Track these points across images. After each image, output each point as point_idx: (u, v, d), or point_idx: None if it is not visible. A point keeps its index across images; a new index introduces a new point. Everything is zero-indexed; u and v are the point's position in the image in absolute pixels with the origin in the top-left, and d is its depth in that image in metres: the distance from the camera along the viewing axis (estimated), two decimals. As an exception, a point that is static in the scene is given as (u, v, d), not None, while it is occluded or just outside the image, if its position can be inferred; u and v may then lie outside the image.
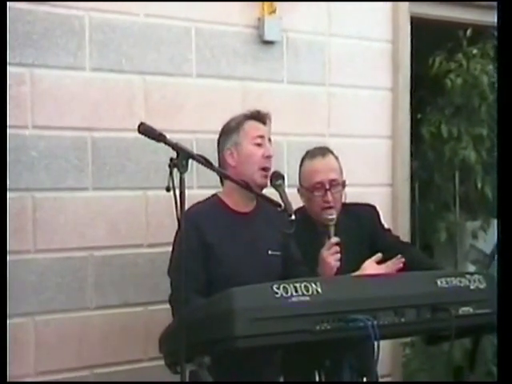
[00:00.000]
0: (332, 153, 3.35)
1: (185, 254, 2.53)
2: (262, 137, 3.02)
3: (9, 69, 3.11)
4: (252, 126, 3.04)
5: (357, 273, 3.01)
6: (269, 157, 3.02)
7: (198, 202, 3.01)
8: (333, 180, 3.25)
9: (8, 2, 2.99)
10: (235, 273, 2.81)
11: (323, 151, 3.33)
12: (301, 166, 3.35)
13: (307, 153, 3.35)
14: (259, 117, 3.07)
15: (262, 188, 3.01)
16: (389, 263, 3.01)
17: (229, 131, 3.05)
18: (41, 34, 3.32)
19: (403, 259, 2.99)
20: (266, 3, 3.86)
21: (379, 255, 3.06)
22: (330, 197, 3.22)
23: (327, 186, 3.23)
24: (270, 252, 3.02)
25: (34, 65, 3.30)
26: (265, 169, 3.01)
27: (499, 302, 2.56)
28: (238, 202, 3.03)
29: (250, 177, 2.98)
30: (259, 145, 3.02)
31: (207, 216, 2.94)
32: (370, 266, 3.03)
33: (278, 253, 3.04)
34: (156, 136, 2.58)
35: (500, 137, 2.72)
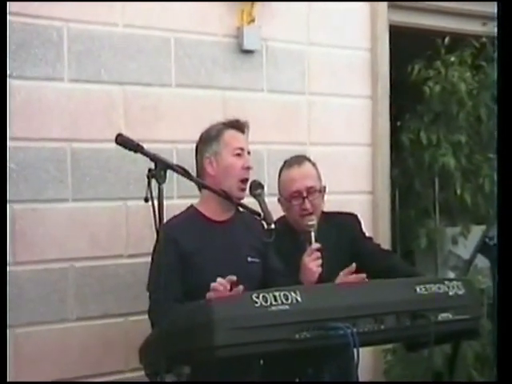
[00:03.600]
0: (309, 160, 3.38)
1: (163, 268, 2.53)
2: (241, 148, 3.04)
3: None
4: (232, 136, 3.05)
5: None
6: (248, 168, 3.04)
7: (175, 216, 3.01)
8: (310, 187, 3.27)
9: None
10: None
11: (299, 160, 3.36)
12: (279, 176, 3.38)
13: (284, 163, 3.39)
14: (238, 126, 3.09)
15: (239, 199, 3.02)
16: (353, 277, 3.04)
17: (208, 139, 3.06)
18: (18, 44, 3.32)
19: (364, 275, 3.01)
20: (245, 13, 3.88)
21: (353, 266, 3.07)
22: (307, 204, 3.25)
23: (304, 194, 3.25)
24: (249, 259, 3.03)
25: (11, 76, 3.29)
26: (243, 180, 3.02)
27: (499, 300, 2.57)
28: (216, 211, 3.03)
29: (228, 187, 2.99)
30: (239, 155, 3.03)
31: (184, 228, 2.95)
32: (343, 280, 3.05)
33: (257, 260, 3.05)
34: (134, 147, 2.58)
35: (500, 138, 2.74)
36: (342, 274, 3.07)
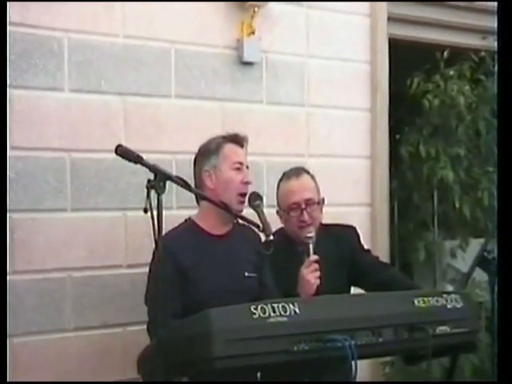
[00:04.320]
0: (307, 172, 3.39)
1: (161, 283, 2.53)
2: (241, 163, 3.05)
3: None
4: (231, 150, 3.06)
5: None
6: (247, 183, 3.06)
7: (173, 229, 3.00)
8: (308, 199, 3.28)
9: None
10: (212, 296, 2.81)
11: (298, 172, 3.36)
12: (277, 187, 3.39)
13: (283, 175, 3.39)
14: (237, 140, 3.10)
15: (238, 213, 3.02)
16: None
17: (207, 153, 3.07)
18: (19, 55, 3.32)
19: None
20: (245, 25, 3.89)
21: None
22: (306, 216, 3.25)
23: (303, 206, 3.26)
24: (246, 274, 3.03)
25: (12, 86, 3.30)
26: (242, 194, 3.03)
27: (499, 301, 2.58)
28: (214, 225, 3.04)
29: (227, 201, 3.00)
30: (238, 169, 3.04)
31: (181, 241, 2.95)
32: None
33: (254, 275, 3.05)
34: (133, 158, 2.59)
35: (500, 151, 2.75)
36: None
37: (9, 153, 3.28)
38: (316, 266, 3.13)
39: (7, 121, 3.02)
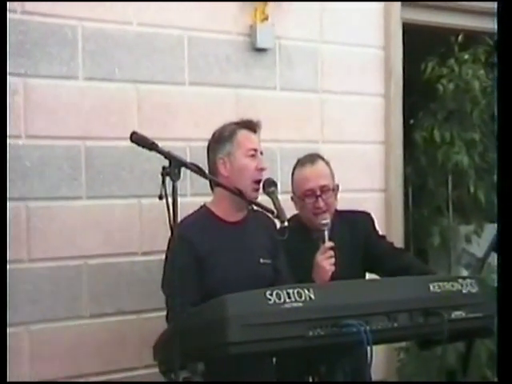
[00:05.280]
0: (322, 158, 3.37)
1: (177, 270, 2.53)
2: (255, 149, 3.04)
3: (1, 79, 3.16)
4: (245, 137, 3.05)
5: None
6: (262, 169, 3.04)
7: (188, 216, 3.00)
8: (323, 186, 3.27)
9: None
10: (227, 283, 2.81)
11: (312, 158, 3.35)
12: (292, 174, 3.37)
13: (297, 161, 3.37)
14: (251, 126, 3.08)
15: (253, 200, 3.02)
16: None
17: (221, 140, 3.05)
18: (34, 43, 3.34)
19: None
20: (258, 11, 3.88)
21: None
22: (321, 203, 3.24)
23: (318, 193, 3.25)
24: (261, 260, 3.03)
25: (27, 75, 3.32)
26: (257, 181, 3.02)
27: (498, 302, 2.57)
28: (228, 212, 3.03)
29: (242, 188, 2.98)
30: (252, 156, 3.03)
31: (197, 229, 2.94)
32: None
33: (269, 261, 3.05)
34: (148, 145, 2.59)
35: (500, 138, 2.73)
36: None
37: (24, 141, 3.31)
38: (331, 252, 3.13)
39: (9, 111, 3.01)
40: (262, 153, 3.09)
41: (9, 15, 3.21)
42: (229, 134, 3.04)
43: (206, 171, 2.99)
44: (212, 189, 3.09)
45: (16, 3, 3.27)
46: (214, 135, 3.09)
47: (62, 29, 3.41)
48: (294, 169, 3.37)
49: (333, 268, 3.10)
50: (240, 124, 3.08)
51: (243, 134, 3.04)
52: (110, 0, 3.51)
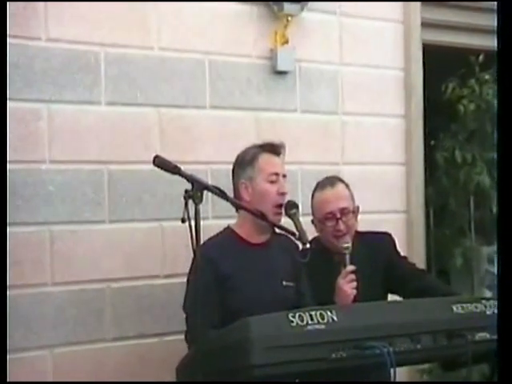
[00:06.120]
0: (342, 181, 3.38)
1: (200, 290, 2.54)
2: (276, 174, 3.04)
3: (26, 105, 3.23)
4: (267, 162, 3.06)
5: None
6: (283, 194, 3.05)
7: (212, 237, 3.02)
8: (343, 208, 3.27)
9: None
10: (250, 305, 2.81)
11: (332, 181, 3.36)
12: (312, 197, 3.38)
13: (317, 184, 3.38)
14: (273, 149, 3.09)
15: (276, 224, 3.02)
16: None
17: (243, 164, 3.07)
18: (58, 70, 3.38)
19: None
20: (278, 34, 3.91)
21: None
22: (341, 225, 3.24)
23: (338, 215, 3.25)
24: (284, 283, 3.03)
25: (51, 100, 3.36)
26: (279, 206, 3.02)
27: (499, 301, 2.56)
28: (252, 233, 3.04)
29: (264, 212, 2.98)
30: (274, 182, 3.04)
31: (221, 250, 2.96)
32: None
33: (292, 284, 3.06)
34: (171, 168, 2.61)
35: (500, 142, 2.73)
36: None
37: (48, 166, 3.35)
38: (353, 276, 3.12)
39: (32, 136, 3.04)
40: (285, 176, 3.09)
41: (33, 43, 3.29)
42: (250, 159, 3.05)
43: (229, 194, 3.00)
44: (237, 210, 3.09)
45: (41, 30, 3.32)
46: (237, 159, 3.11)
47: (85, 55, 3.45)
48: (314, 192, 3.38)
49: (354, 292, 3.10)
50: (262, 147, 3.09)
51: (265, 159, 3.06)
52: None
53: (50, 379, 3.32)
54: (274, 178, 3.03)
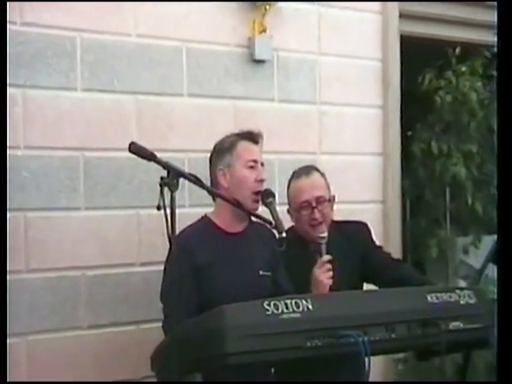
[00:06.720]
0: (317, 170, 3.38)
1: (176, 280, 2.53)
2: (255, 161, 3.04)
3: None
4: (245, 148, 3.05)
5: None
6: (261, 181, 3.04)
7: (189, 226, 3.01)
8: (319, 197, 3.27)
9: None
10: (227, 294, 2.80)
11: (307, 170, 3.36)
12: (288, 187, 3.38)
13: (293, 173, 3.39)
14: (252, 137, 3.09)
15: (253, 211, 3.02)
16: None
17: (222, 151, 3.06)
18: (33, 55, 3.35)
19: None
20: (256, 23, 3.90)
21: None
22: (317, 214, 3.25)
23: (314, 204, 3.25)
24: (261, 272, 3.03)
25: (26, 86, 3.33)
26: (257, 193, 3.02)
27: (499, 301, 2.57)
28: (229, 222, 3.04)
29: (242, 199, 2.99)
30: (252, 167, 3.03)
31: (197, 239, 2.95)
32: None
33: (268, 273, 3.06)
34: (147, 155, 2.59)
35: (500, 149, 2.74)
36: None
37: (23, 152, 3.32)
38: (329, 266, 3.13)
39: (8, 121, 3.00)
40: (263, 164, 3.09)
41: (8, 26, 3.23)
42: (229, 146, 3.05)
43: (208, 183, 3.00)
44: (214, 199, 3.09)
45: (16, 14, 3.28)
46: (215, 147, 3.10)
47: (60, 40, 3.42)
48: (290, 181, 3.38)
49: (330, 281, 3.11)
50: (240, 135, 3.09)
51: (243, 146, 3.05)
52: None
53: (24, 367, 3.30)
54: (252, 164, 3.03)
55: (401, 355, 4.05)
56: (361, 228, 3.47)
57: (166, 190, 2.49)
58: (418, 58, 4.37)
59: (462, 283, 4.45)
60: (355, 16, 4.33)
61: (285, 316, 2.47)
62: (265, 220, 2.97)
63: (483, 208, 4.51)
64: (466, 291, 2.88)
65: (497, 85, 3.08)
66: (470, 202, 4.50)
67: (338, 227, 3.37)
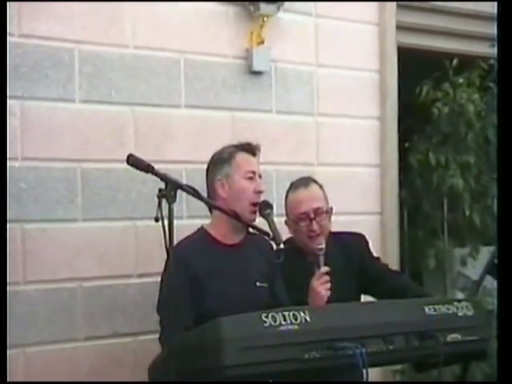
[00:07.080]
0: (315, 182, 3.39)
1: (173, 292, 2.53)
2: (253, 172, 3.05)
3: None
4: (244, 160, 3.06)
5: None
6: (260, 192, 3.05)
7: (185, 238, 3.01)
8: (317, 209, 3.28)
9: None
10: (223, 305, 2.81)
11: (305, 181, 3.37)
12: (286, 198, 3.39)
13: (291, 185, 3.40)
14: (250, 149, 3.10)
15: (251, 222, 3.02)
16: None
17: (220, 162, 3.07)
18: (30, 66, 3.35)
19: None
20: (254, 34, 3.91)
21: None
22: (315, 226, 3.25)
23: (312, 216, 3.26)
24: (258, 284, 3.03)
25: (23, 97, 3.33)
26: (255, 204, 3.02)
27: (499, 301, 2.57)
28: (226, 234, 3.04)
29: (240, 210, 2.99)
30: (251, 179, 3.04)
31: (195, 251, 2.95)
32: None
33: (265, 284, 3.06)
34: (145, 167, 2.60)
35: (500, 158, 2.75)
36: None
37: (20, 163, 3.32)
38: (327, 277, 3.13)
39: (7, 132, 3.01)
40: (260, 176, 3.10)
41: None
42: (227, 156, 3.06)
43: (205, 194, 3.00)
44: (211, 211, 3.09)
45: (14, 26, 3.29)
46: (212, 157, 3.11)
47: (58, 51, 3.42)
48: (288, 192, 3.39)
49: (328, 293, 3.10)
50: (239, 147, 3.10)
51: (241, 157, 3.06)
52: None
53: (22, 379, 3.29)
54: (251, 175, 3.04)
55: (398, 367, 4.04)
56: (358, 239, 3.47)
57: (163, 201, 2.49)
58: (416, 70, 4.38)
59: (460, 295, 4.44)
60: (353, 27, 4.34)
61: (283, 328, 2.47)
62: (262, 231, 2.97)
63: (481, 219, 4.51)
64: (464, 303, 2.88)
65: (497, 94, 3.08)
66: (467, 213, 4.50)
67: (336, 239, 3.37)
